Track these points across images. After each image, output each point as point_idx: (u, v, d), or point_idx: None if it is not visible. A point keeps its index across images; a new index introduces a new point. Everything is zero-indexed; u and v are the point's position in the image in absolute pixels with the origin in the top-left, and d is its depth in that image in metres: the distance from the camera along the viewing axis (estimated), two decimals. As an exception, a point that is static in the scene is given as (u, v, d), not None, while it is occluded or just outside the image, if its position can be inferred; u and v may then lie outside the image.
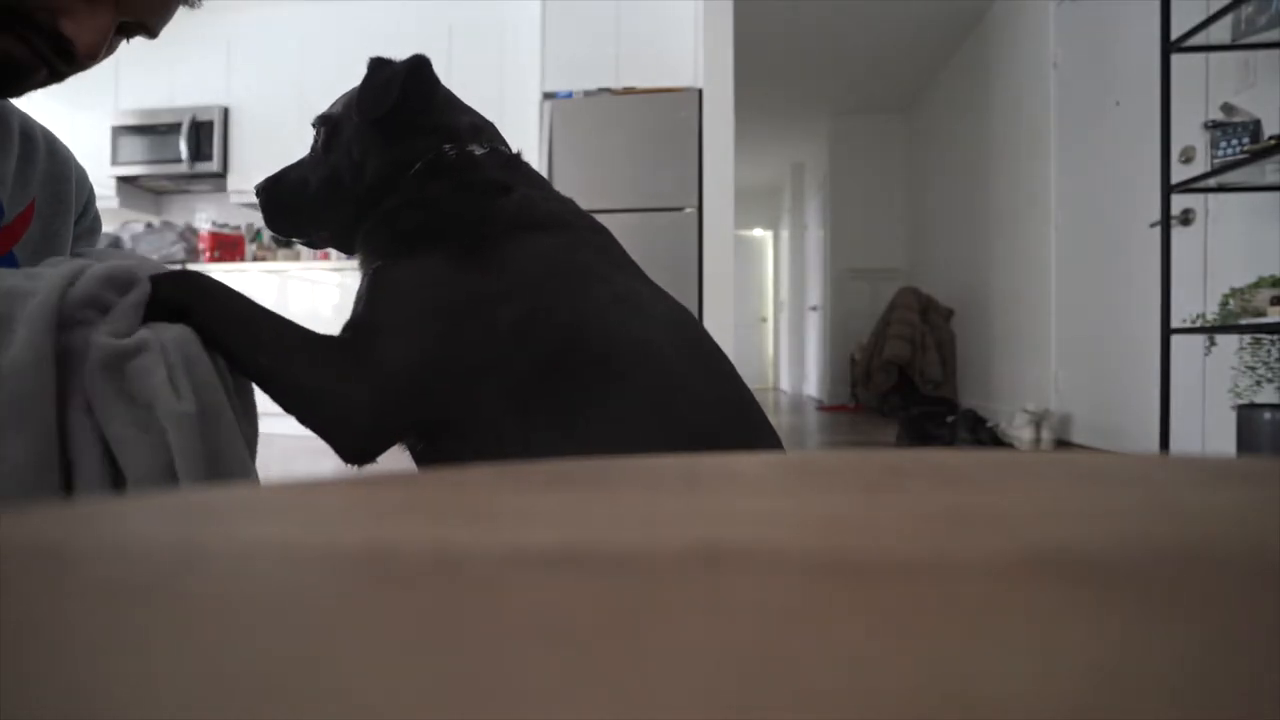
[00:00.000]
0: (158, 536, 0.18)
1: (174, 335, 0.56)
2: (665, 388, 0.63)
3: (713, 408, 0.66)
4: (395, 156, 0.74)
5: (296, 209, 0.82)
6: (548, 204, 0.73)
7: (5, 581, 0.15)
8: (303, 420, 0.61)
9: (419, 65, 0.75)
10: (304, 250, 4.26)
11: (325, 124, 0.80)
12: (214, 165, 4.31)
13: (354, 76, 0.77)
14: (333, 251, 4.16)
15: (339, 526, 0.19)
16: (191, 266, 4.08)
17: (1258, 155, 2.07)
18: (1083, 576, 0.15)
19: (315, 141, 0.81)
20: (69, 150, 0.81)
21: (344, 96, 0.81)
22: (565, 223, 0.71)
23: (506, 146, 0.79)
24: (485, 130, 0.79)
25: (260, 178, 0.85)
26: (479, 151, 0.74)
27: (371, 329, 0.63)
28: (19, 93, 0.64)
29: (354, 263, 0.79)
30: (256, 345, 0.60)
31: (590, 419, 0.61)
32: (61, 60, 0.61)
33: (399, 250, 0.69)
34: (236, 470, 0.55)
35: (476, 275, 0.65)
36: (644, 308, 0.68)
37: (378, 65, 0.76)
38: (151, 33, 0.66)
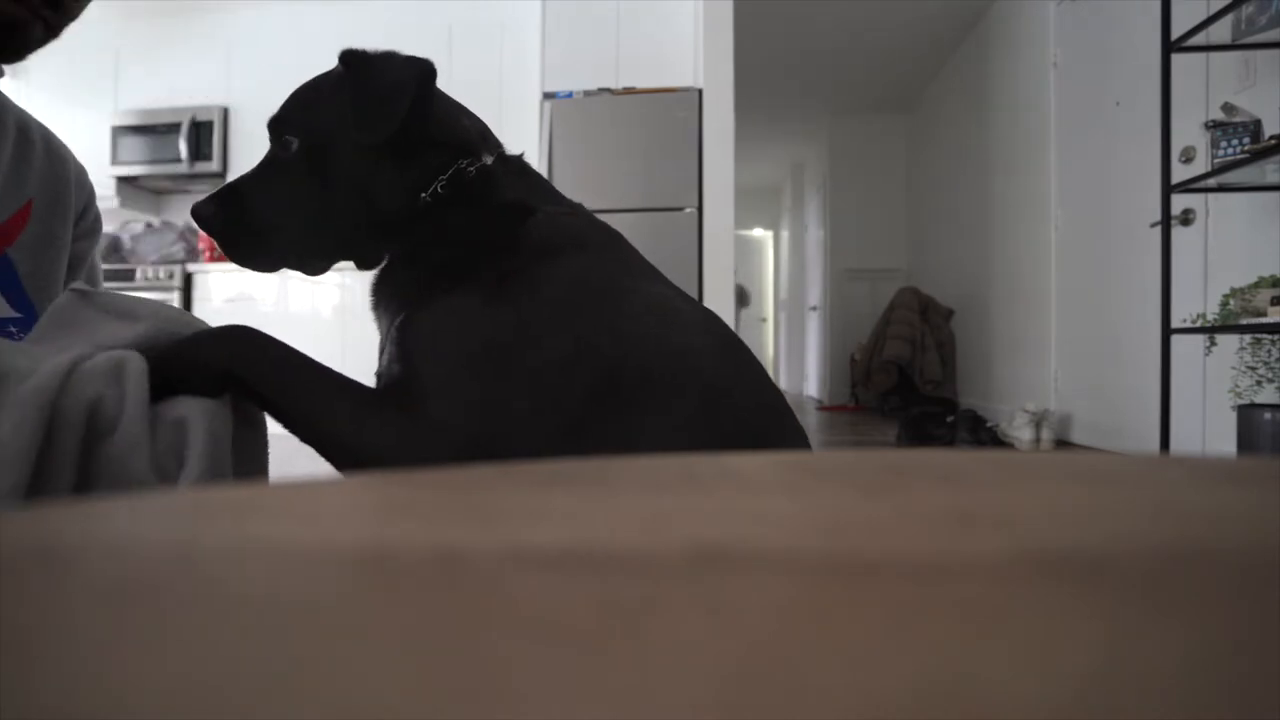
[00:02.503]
0: (157, 536, 0.18)
1: (195, 413, 0.51)
2: (713, 396, 0.61)
3: (756, 411, 0.64)
4: (409, 180, 0.68)
5: (275, 239, 0.71)
6: (566, 220, 0.69)
7: (5, 581, 0.15)
8: None
9: (427, 76, 0.68)
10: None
11: (298, 136, 0.70)
12: (214, 165, 4.32)
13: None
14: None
15: (339, 526, 0.19)
16: (191, 266, 4.09)
17: (1258, 155, 2.07)
18: (1083, 576, 0.15)
19: (278, 150, 0.71)
20: (67, 149, 0.78)
21: (304, 98, 0.71)
22: (585, 239, 0.68)
23: (504, 148, 0.75)
24: (488, 135, 0.74)
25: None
26: (490, 161, 0.70)
27: (420, 387, 0.59)
28: (22, 55, 0.63)
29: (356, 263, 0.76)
30: (309, 411, 0.57)
31: (647, 437, 0.59)
32: (50, 8, 0.61)
33: (424, 294, 0.64)
34: None
35: (511, 312, 0.61)
36: (677, 314, 0.65)
37: (361, 64, 0.68)
38: None
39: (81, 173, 0.79)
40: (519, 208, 0.68)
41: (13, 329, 0.70)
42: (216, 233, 0.71)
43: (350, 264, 0.75)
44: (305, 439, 0.57)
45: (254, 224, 0.71)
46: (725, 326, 0.68)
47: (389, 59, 0.69)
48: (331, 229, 0.71)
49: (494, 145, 0.74)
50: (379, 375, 0.63)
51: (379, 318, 0.69)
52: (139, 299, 0.61)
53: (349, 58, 0.70)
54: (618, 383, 0.59)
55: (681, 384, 0.61)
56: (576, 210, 0.72)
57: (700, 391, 0.61)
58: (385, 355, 0.63)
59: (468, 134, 0.72)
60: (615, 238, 0.71)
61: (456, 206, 0.68)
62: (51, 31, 0.62)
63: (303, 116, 0.70)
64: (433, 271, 0.66)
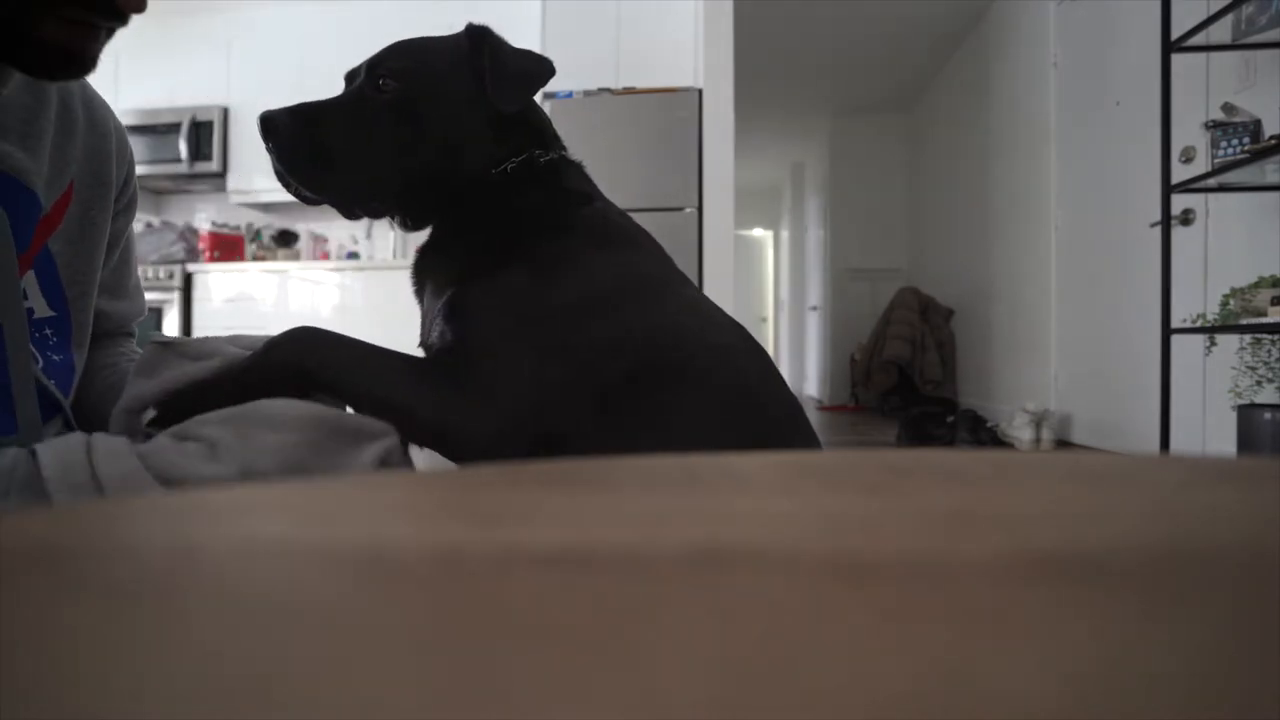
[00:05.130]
0: (158, 536, 0.18)
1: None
2: (743, 389, 0.66)
3: (779, 411, 0.68)
4: (501, 151, 0.73)
5: (340, 167, 0.70)
6: (620, 217, 0.75)
7: (5, 581, 0.15)
8: (435, 449, 0.61)
9: (551, 74, 0.76)
10: (303, 250, 4.26)
11: (399, 81, 0.71)
12: (214, 165, 4.31)
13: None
14: (332, 251, 4.17)
15: (339, 526, 0.19)
16: (191, 266, 4.08)
17: (1258, 155, 2.07)
18: (1083, 576, 0.15)
19: (369, 90, 0.72)
20: (108, 110, 0.71)
21: (410, 50, 0.74)
22: (636, 238, 0.74)
23: (567, 151, 0.79)
24: (558, 137, 0.80)
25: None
26: (556, 157, 0.76)
27: (468, 354, 0.62)
28: (92, 70, 0.58)
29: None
30: (372, 392, 0.60)
31: (678, 417, 0.62)
32: (108, 19, 0.54)
33: (474, 270, 0.67)
34: None
35: (559, 293, 0.65)
36: (712, 316, 0.70)
37: (495, 42, 0.74)
38: None
39: (122, 139, 0.72)
40: (580, 194, 0.74)
41: (48, 330, 0.65)
42: (282, 142, 0.70)
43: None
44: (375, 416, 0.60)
45: (323, 146, 0.70)
46: (751, 335, 0.73)
47: (521, 50, 0.76)
48: (404, 172, 0.72)
49: (560, 146, 0.79)
50: (427, 346, 0.66)
51: (421, 297, 0.73)
52: (218, 340, 0.63)
53: (481, 31, 0.75)
54: (657, 369, 0.63)
55: (714, 373, 0.65)
56: (622, 211, 0.77)
57: (731, 382, 0.65)
58: (435, 327, 0.65)
59: (551, 129, 0.78)
60: (657, 244, 0.76)
61: (521, 186, 0.73)
62: (110, 35, 0.57)
63: (410, 65, 0.72)
64: (483, 246, 0.69)
